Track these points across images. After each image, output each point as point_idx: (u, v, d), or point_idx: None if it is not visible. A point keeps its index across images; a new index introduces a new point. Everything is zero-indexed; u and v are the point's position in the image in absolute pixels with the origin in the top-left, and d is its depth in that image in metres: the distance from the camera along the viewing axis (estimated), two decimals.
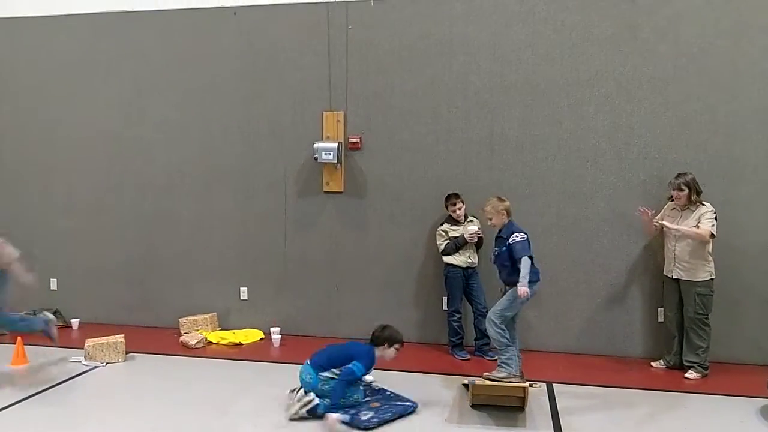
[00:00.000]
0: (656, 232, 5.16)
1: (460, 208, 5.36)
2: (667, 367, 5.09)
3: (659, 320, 5.34)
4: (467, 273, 5.39)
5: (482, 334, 5.38)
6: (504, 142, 5.62)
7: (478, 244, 5.46)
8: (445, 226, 5.43)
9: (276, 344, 5.78)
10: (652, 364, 5.17)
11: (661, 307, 5.29)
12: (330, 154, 5.71)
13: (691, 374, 4.89)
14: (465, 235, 5.31)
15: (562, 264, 5.54)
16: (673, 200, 5.02)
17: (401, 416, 4.06)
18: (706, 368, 4.90)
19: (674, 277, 4.96)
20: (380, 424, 3.92)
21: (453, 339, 5.47)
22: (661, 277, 5.21)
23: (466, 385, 4.39)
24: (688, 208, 4.91)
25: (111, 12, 6.32)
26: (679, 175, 4.93)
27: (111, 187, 6.42)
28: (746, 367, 5.16)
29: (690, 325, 4.92)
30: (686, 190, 4.86)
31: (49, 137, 6.54)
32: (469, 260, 5.39)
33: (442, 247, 5.39)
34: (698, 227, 4.77)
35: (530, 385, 4.15)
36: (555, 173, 5.54)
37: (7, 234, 5.06)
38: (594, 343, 5.50)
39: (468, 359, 5.34)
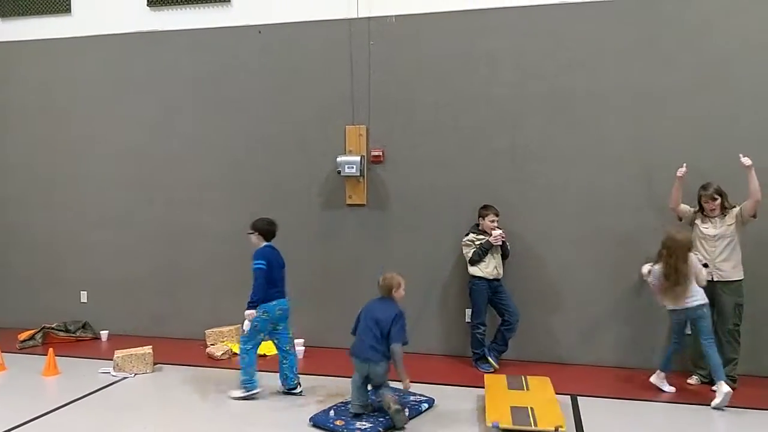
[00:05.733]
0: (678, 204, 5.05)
1: (496, 220, 5.35)
2: (702, 383, 4.98)
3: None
4: (492, 285, 5.38)
5: (504, 341, 5.39)
6: (526, 153, 5.63)
7: (505, 255, 5.46)
8: (471, 236, 5.43)
9: (300, 356, 5.82)
10: (688, 381, 5.04)
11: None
12: (353, 167, 5.78)
13: (722, 385, 4.76)
14: (490, 239, 5.31)
15: (585, 275, 5.50)
16: (701, 210, 4.97)
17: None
18: (734, 381, 4.82)
19: (714, 278, 4.85)
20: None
21: (477, 351, 5.45)
22: None
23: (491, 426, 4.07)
24: (722, 214, 4.89)
25: (141, 32, 6.52)
26: (706, 186, 4.89)
27: (140, 201, 6.58)
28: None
29: (725, 336, 4.84)
30: (719, 198, 4.84)
31: (81, 153, 6.74)
32: (495, 272, 5.38)
33: (470, 255, 5.39)
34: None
35: (556, 429, 3.82)
36: (577, 184, 5.53)
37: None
38: (617, 356, 5.43)
39: (492, 371, 5.32)
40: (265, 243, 4.84)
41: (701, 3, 5.26)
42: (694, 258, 4.75)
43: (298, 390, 4.80)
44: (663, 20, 5.32)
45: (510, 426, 3.89)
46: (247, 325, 4.69)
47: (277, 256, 4.83)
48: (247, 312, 4.65)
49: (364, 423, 4.07)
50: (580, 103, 5.51)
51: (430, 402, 4.49)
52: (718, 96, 5.23)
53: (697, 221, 5.02)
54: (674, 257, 4.60)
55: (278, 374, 4.84)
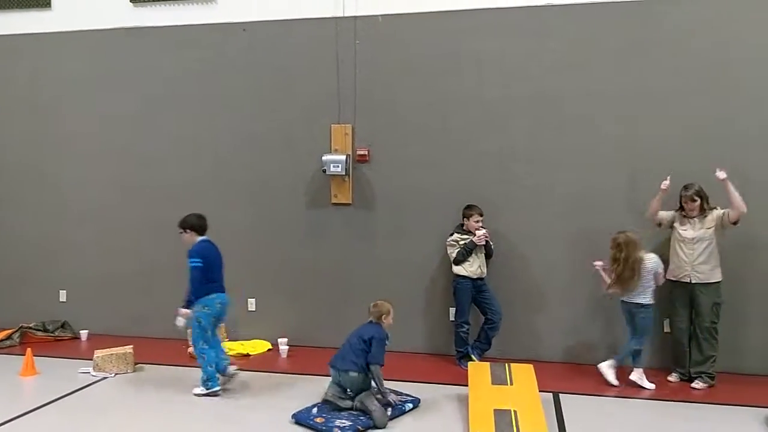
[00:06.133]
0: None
1: (479, 221, 5.37)
2: (681, 380, 5.05)
3: (665, 330, 5.34)
4: (477, 284, 5.41)
5: (488, 340, 5.42)
6: (513, 154, 5.67)
7: (489, 254, 5.48)
8: (456, 236, 5.45)
9: (283, 355, 5.80)
10: (669, 378, 5.10)
11: (667, 318, 5.29)
12: (338, 166, 5.77)
13: (698, 384, 4.88)
14: (473, 238, 5.33)
15: (569, 275, 5.55)
16: (682, 210, 5.03)
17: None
18: (713, 378, 4.91)
19: (692, 281, 4.92)
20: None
21: (460, 350, 5.48)
22: (663, 288, 5.19)
23: None
24: (701, 215, 4.95)
25: (123, 28, 6.43)
26: (687, 187, 4.96)
27: (122, 200, 6.48)
28: (751, 377, 5.14)
29: (703, 334, 4.93)
30: (698, 200, 4.91)
31: (62, 150, 6.62)
32: (479, 271, 5.40)
33: (454, 255, 5.41)
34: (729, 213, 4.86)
35: None
36: (564, 185, 5.57)
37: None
38: (599, 355, 5.46)
39: None
40: (200, 238, 4.84)
41: (688, 7, 5.32)
42: (655, 259, 4.91)
43: (231, 370, 4.84)
44: (651, 23, 5.38)
45: None
46: (180, 321, 4.73)
47: (213, 249, 4.87)
48: (183, 311, 4.69)
49: (344, 421, 4.06)
50: (566, 105, 5.55)
51: (416, 402, 4.50)
52: (704, 99, 5.30)
53: (676, 224, 5.08)
54: (625, 251, 4.83)
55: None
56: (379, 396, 4.32)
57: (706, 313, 4.92)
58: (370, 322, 4.55)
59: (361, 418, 4.13)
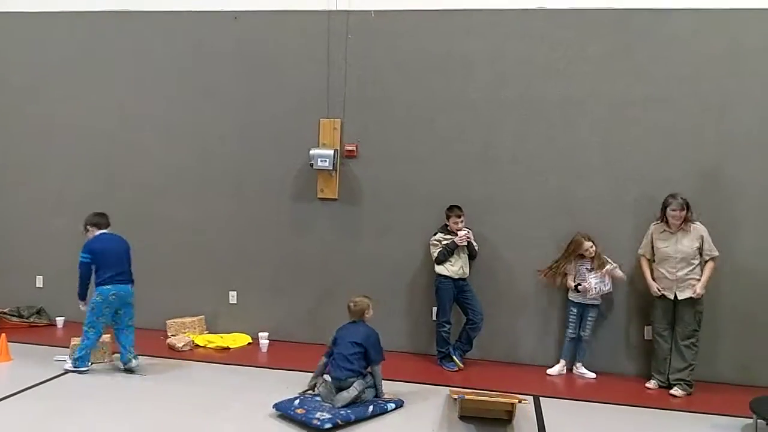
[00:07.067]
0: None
1: (462, 222, 5.37)
2: (660, 387, 5.08)
3: (646, 337, 5.40)
4: (458, 284, 5.41)
5: (469, 340, 5.43)
6: (498, 155, 5.68)
7: (472, 255, 5.48)
8: (439, 236, 5.45)
9: (263, 349, 5.75)
10: (647, 384, 5.13)
11: (648, 325, 5.34)
12: (326, 161, 5.73)
13: (677, 391, 4.92)
14: (455, 239, 5.33)
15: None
16: (660, 221, 5.02)
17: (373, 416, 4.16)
18: (691, 386, 4.95)
19: (679, 298, 4.91)
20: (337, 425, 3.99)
21: (442, 350, 5.48)
22: (644, 296, 5.26)
23: (455, 399, 4.40)
24: (682, 228, 4.93)
25: (110, 11, 6.31)
26: (674, 195, 4.94)
27: (104, 187, 6.36)
28: (729, 386, 5.21)
29: (684, 342, 4.94)
30: (686, 210, 4.87)
31: (42, 135, 6.49)
32: (461, 271, 5.40)
33: (436, 254, 5.41)
34: (706, 258, 4.91)
35: (519, 401, 4.13)
36: (548, 188, 5.60)
37: None
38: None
39: (456, 370, 5.35)
40: (99, 232, 5.03)
41: (672, 18, 5.38)
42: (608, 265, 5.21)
43: (134, 364, 4.95)
44: (636, 32, 5.43)
45: (474, 397, 4.11)
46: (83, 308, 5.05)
47: (110, 240, 5.06)
48: (81, 305, 5.06)
49: (324, 414, 4.04)
50: (553, 109, 5.57)
51: (398, 403, 4.44)
52: (686, 107, 5.37)
53: (656, 239, 5.03)
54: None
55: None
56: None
57: (689, 322, 4.94)
58: (354, 321, 4.53)
59: (342, 412, 4.11)
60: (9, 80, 6.55)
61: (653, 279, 5.06)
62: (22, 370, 4.95)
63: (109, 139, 6.36)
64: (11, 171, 6.57)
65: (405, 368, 5.34)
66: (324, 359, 4.55)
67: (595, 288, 5.19)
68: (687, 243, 4.91)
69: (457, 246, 5.35)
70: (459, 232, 5.34)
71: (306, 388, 4.51)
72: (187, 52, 6.20)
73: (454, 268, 5.39)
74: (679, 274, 4.91)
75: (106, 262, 4.93)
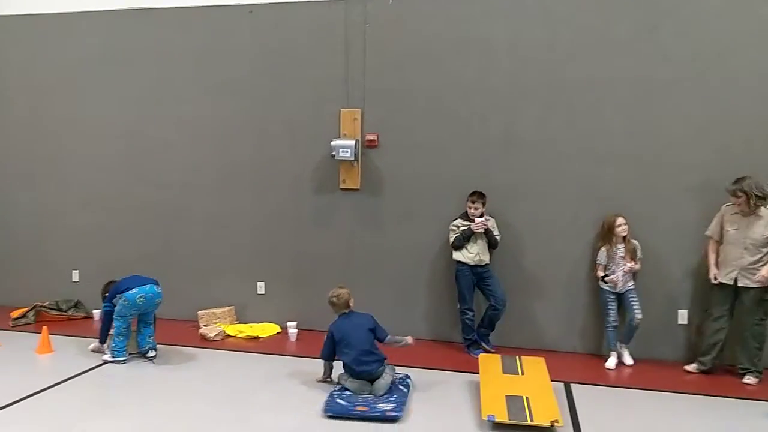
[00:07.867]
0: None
1: (477, 208, 5.36)
2: (701, 372, 4.99)
3: (679, 322, 5.34)
4: (477, 271, 5.41)
5: (491, 324, 5.47)
6: (521, 142, 5.63)
7: (492, 243, 5.47)
8: (458, 221, 5.46)
9: (292, 338, 5.89)
10: (686, 368, 5.06)
11: (681, 309, 5.30)
12: (347, 151, 5.76)
13: (749, 379, 4.78)
14: (471, 225, 5.34)
15: (578, 265, 5.55)
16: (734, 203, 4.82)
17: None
18: (761, 372, 4.81)
19: (739, 284, 4.75)
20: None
21: (468, 337, 5.52)
22: (675, 280, 5.18)
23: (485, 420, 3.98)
24: (754, 213, 4.71)
25: (129, 9, 6.40)
26: (736, 180, 4.74)
27: (129, 183, 6.54)
28: None
29: (752, 331, 4.78)
30: (743, 196, 4.68)
31: (67, 133, 6.67)
32: (478, 258, 5.39)
33: (452, 240, 5.43)
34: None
35: (552, 423, 3.81)
36: (571, 174, 5.54)
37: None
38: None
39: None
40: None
41: None
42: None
43: (151, 354, 5.24)
44: (660, 12, 5.29)
45: (506, 420, 3.86)
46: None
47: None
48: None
49: (386, 404, 4.12)
50: (576, 93, 5.48)
51: (407, 376, 4.67)
52: (714, 89, 5.22)
53: (725, 221, 4.84)
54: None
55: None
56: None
57: (756, 311, 4.74)
58: (344, 314, 4.64)
59: (393, 397, 4.22)
60: (34, 80, 6.72)
61: (716, 265, 4.91)
62: (64, 361, 5.17)
63: (131, 135, 6.50)
64: (38, 169, 6.79)
65: (431, 355, 5.41)
66: (329, 363, 4.68)
67: (622, 280, 5.19)
68: (758, 229, 4.70)
69: (473, 232, 5.35)
70: (476, 219, 5.35)
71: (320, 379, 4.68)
72: (204, 47, 6.26)
73: (471, 254, 5.39)
74: (747, 260, 4.72)
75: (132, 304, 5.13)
